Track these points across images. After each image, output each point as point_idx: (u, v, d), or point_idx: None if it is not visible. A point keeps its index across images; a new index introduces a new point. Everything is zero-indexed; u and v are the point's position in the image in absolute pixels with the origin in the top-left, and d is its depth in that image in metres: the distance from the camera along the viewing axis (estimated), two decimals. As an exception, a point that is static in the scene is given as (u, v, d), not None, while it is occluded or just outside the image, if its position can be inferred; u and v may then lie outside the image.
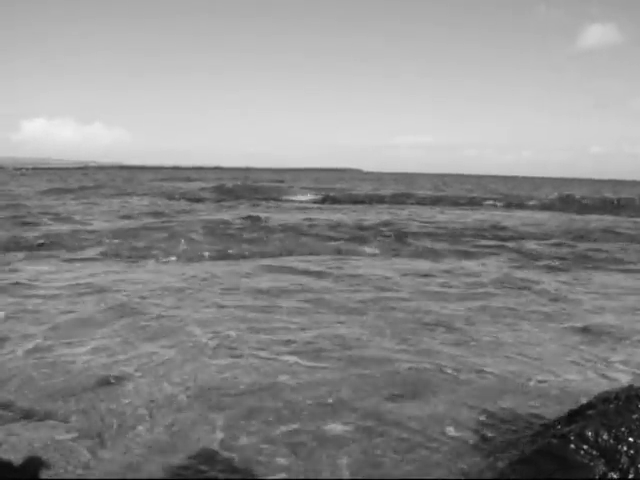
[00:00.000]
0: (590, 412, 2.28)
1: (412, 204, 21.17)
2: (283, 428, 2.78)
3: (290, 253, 8.45)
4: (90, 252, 8.16)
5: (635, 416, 2.15)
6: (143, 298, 5.41)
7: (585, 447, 2.12)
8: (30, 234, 9.41)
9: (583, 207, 20.67)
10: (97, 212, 14.49)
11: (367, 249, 8.97)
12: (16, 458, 2.46)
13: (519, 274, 7.25)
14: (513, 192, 32.84)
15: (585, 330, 4.63)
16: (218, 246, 8.60)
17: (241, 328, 4.44)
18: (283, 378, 3.43)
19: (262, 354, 3.85)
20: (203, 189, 24.92)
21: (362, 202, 21.48)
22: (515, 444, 2.62)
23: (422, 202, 22.24)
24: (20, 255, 7.69)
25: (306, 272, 6.94)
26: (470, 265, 7.86)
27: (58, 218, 12.46)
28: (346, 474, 2.41)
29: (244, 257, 8.11)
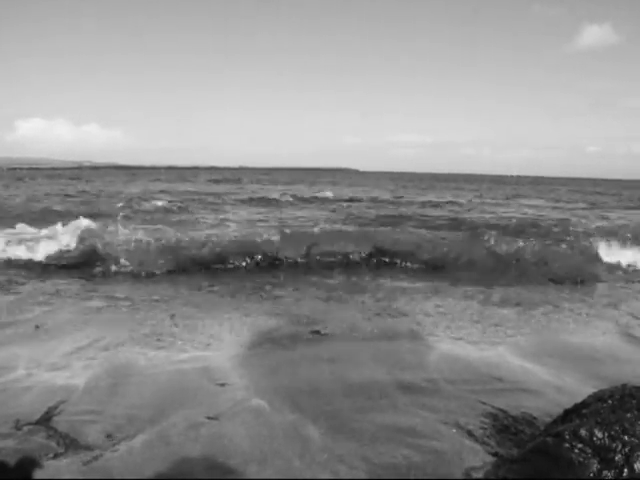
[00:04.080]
0: (584, 411, 2.30)
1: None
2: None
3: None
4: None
5: (629, 415, 2.16)
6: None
7: (580, 446, 2.13)
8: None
9: None
10: None
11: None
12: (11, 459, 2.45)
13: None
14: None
15: None
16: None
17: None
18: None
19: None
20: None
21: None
22: (511, 443, 2.64)
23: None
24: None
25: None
26: None
27: None
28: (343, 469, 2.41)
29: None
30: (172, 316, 4.96)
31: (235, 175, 58.99)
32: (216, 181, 40.66)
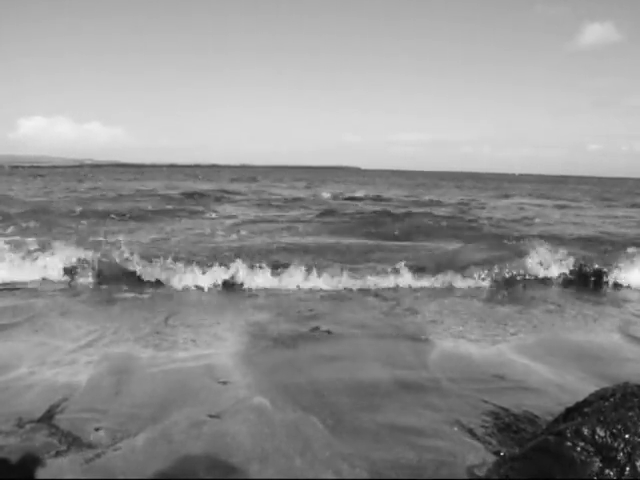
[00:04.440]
0: (586, 409, 2.29)
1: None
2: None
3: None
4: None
5: (631, 413, 2.16)
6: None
7: (582, 444, 2.12)
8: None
9: None
10: None
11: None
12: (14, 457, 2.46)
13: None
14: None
15: None
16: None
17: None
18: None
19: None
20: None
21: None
22: (513, 441, 2.64)
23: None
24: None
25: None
26: None
27: None
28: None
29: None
30: (170, 315, 4.97)
31: (239, 174, 58.84)
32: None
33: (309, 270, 6.46)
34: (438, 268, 7.04)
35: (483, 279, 6.82)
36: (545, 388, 3.40)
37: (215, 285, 6.19)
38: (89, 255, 6.71)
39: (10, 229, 10.05)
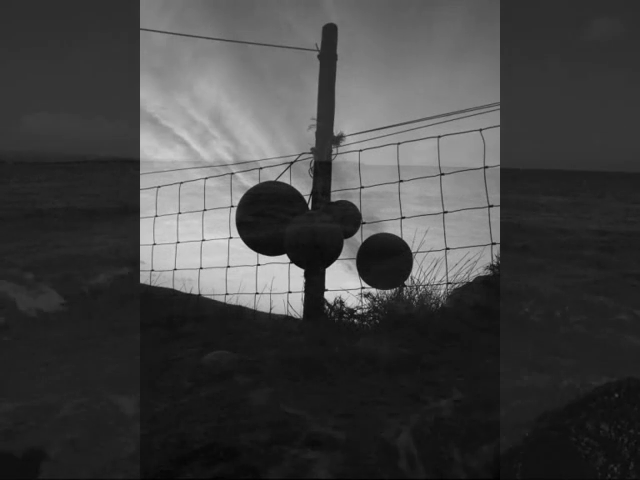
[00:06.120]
0: (590, 404, 2.28)
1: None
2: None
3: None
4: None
5: (636, 408, 2.15)
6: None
7: (586, 439, 2.11)
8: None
9: None
10: None
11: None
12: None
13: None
14: None
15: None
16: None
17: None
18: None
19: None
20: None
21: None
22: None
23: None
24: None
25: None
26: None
27: None
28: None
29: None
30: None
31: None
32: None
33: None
34: None
35: None
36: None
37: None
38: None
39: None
